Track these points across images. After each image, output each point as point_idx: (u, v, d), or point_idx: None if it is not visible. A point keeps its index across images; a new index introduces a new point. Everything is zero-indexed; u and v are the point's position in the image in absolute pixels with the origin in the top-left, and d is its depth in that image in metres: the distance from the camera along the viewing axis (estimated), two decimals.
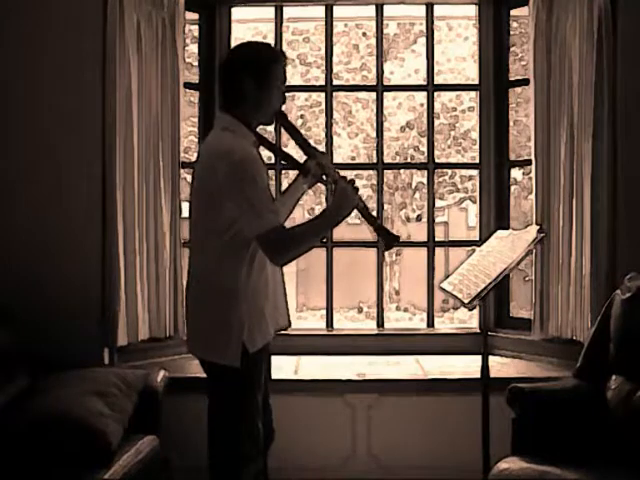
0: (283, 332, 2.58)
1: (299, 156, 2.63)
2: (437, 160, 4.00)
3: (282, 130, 2.70)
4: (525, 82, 3.61)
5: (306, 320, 9.17)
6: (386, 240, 2.43)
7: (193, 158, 4.28)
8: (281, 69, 2.41)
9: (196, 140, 4.07)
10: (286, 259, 2.34)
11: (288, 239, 2.31)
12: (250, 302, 2.33)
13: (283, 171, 3.83)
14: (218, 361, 2.33)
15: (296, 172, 2.65)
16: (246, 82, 2.34)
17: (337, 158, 7.82)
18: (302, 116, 9.10)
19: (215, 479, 2.39)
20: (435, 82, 3.91)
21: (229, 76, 2.40)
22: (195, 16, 3.76)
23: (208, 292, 2.36)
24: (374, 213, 2.84)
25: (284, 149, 3.31)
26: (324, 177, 2.53)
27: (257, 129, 2.48)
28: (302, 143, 2.52)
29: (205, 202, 2.36)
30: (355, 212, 2.43)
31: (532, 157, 3.45)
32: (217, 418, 2.38)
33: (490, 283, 2.74)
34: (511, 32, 3.86)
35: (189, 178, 4.32)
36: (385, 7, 3.88)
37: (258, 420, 2.37)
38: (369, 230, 2.52)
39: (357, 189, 2.38)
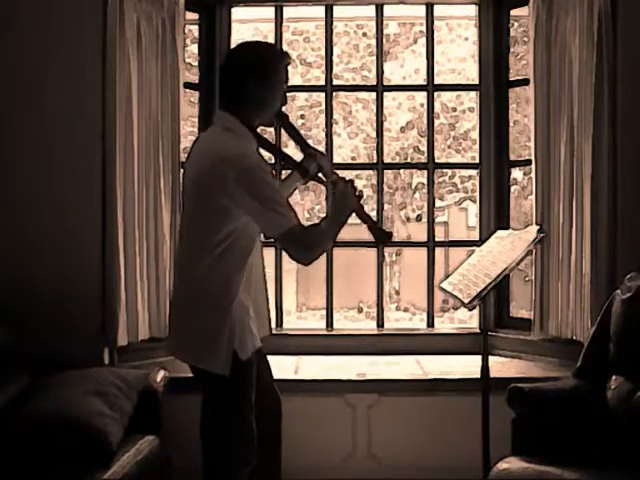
0: (283, 332, 2.57)
1: (299, 157, 2.65)
2: (437, 160, 4.00)
3: (282, 130, 2.71)
4: (525, 82, 3.61)
5: (306, 320, 9.15)
6: (377, 237, 2.45)
7: None
8: (284, 69, 2.38)
9: None
10: (313, 256, 2.31)
11: (311, 236, 2.29)
12: (240, 310, 2.31)
13: (283, 171, 3.84)
14: (209, 369, 2.30)
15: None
16: (249, 83, 2.31)
17: (337, 158, 7.81)
18: (302, 116, 9.08)
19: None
20: (435, 82, 3.91)
21: (231, 77, 2.36)
22: (195, 16, 3.76)
23: (199, 300, 2.33)
24: (374, 213, 2.86)
25: (284, 150, 3.31)
26: (320, 176, 2.55)
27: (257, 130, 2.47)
28: (302, 144, 2.54)
29: (204, 207, 2.31)
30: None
31: (532, 157, 3.45)
32: (212, 424, 2.35)
33: (490, 283, 2.74)
34: (511, 32, 3.86)
35: None
36: (385, 7, 3.88)
37: (252, 422, 2.36)
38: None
39: (356, 189, 2.37)
